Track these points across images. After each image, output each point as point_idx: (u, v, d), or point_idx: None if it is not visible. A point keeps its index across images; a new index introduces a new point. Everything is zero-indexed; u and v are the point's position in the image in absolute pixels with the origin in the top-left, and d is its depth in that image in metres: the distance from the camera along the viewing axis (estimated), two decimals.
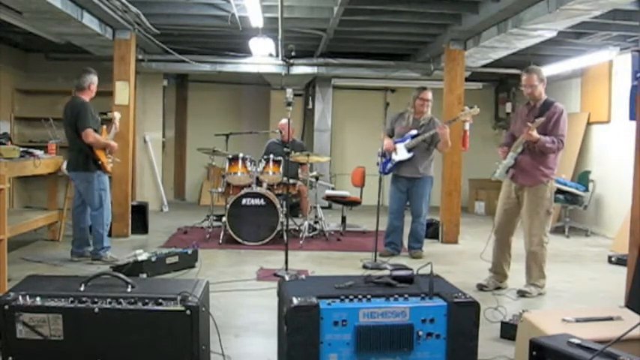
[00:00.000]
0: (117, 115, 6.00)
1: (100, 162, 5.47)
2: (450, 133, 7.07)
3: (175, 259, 5.29)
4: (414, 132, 6.09)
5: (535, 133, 4.54)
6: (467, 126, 6.93)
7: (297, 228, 7.09)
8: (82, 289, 2.70)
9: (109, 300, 2.62)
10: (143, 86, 9.35)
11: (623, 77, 7.19)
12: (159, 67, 8.99)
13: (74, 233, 5.72)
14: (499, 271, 4.94)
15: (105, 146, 5.52)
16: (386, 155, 6.14)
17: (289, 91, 5.15)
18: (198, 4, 6.48)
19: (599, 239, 7.73)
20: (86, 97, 5.51)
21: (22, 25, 6.52)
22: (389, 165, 6.14)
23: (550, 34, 6.02)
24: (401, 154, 6.08)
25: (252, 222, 6.55)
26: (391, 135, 6.26)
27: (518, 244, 4.95)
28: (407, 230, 6.33)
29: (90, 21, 6.22)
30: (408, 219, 6.31)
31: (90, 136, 5.35)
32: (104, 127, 5.73)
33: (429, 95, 6.16)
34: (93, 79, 5.54)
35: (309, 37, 7.65)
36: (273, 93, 10.14)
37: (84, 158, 5.44)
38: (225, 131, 7.75)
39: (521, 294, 4.70)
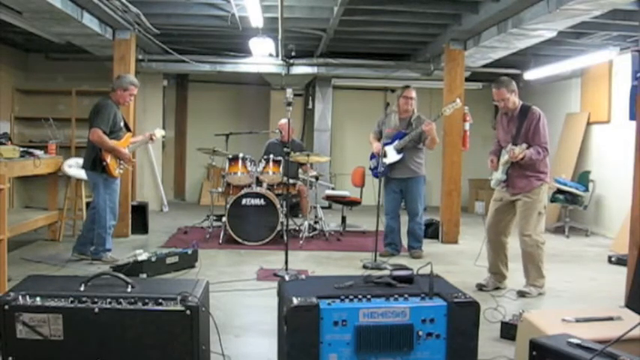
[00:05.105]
0: (158, 132, 6.01)
1: (105, 163, 5.37)
2: (451, 133, 7.12)
3: (175, 259, 5.29)
4: (401, 133, 6.07)
5: (519, 155, 4.56)
6: (467, 126, 6.93)
7: (297, 228, 7.08)
8: (82, 289, 2.69)
9: (109, 300, 2.61)
10: (143, 86, 9.28)
11: (623, 77, 7.18)
12: (159, 67, 9.00)
13: (82, 230, 5.73)
14: (496, 272, 4.94)
15: (112, 150, 5.39)
16: (376, 159, 6.10)
17: (289, 91, 5.14)
18: (198, 4, 6.48)
19: (599, 239, 7.73)
20: (114, 99, 5.52)
21: (22, 25, 6.52)
22: (381, 169, 6.03)
23: (550, 34, 6.02)
24: (391, 156, 6.04)
25: (252, 222, 6.55)
26: (379, 138, 6.22)
27: (515, 244, 4.95)
28: (405, 230, 6.32)
29: (90, 21, 6.22)
30: (405, 218, 6.30)
31: (95, 134, 5.31)
32: (129, 134, 5.67)
33: (413, 93, 6.13)
34: (121, 83, 5.54)
35: (309, 37, 7.65)
36: (273, 93, 10.14)
37: (92, 158, 5.43)
38: (225, 131, 7.74)
39: (521, 294, 4.70)
